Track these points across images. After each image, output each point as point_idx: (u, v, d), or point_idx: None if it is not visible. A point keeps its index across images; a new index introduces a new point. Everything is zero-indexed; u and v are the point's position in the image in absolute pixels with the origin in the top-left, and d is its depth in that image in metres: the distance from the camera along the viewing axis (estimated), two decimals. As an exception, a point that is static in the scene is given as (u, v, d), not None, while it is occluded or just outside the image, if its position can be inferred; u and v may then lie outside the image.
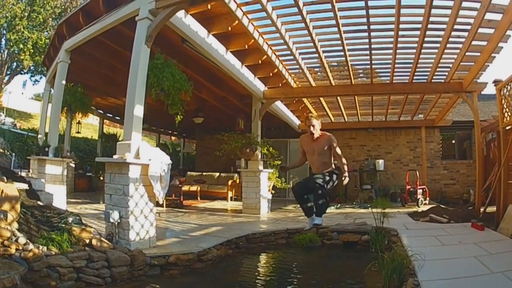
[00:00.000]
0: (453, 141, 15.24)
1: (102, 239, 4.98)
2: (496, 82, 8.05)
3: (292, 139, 15.62)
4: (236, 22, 6.68)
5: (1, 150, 10.60)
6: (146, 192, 5.45)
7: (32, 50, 23.12)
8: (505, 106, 7.23)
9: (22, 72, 26.76)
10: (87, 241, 4.72)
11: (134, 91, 5.46)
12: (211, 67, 8.64)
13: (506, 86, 7.09)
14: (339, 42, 7.53)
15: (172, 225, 7.79)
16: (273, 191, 11.15)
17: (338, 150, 5.23)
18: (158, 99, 6.06)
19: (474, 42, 7.08)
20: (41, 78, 27.39)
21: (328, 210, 10.47)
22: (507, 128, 7.15)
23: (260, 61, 8.42)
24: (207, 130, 17.07)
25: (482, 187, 8.68)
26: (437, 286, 3.79)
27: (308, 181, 5.43)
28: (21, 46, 22.84)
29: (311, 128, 5.25)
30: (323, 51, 8.17)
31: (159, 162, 5.59)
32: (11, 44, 23.06)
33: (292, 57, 8.41)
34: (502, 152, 7.16)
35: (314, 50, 7.98)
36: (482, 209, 7.97)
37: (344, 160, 5.21)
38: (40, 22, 23.56)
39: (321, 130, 5.34)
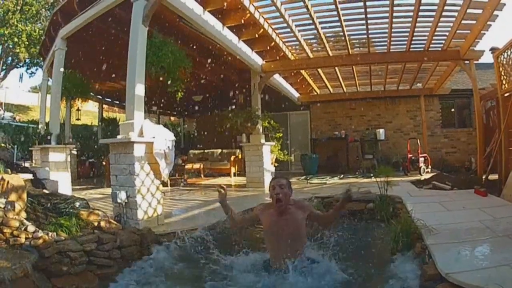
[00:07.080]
0: (453, 110, 15.19)
1: (111, 220, 5.01)
2: (493, 50, 8.01)
3: (292, 112, 15.77)
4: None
5: (3, 145, 10.64)
6: (151, 170, 5.54)
7: (27, 42, 22.91)
8: (503, 73, 7.22)
9: (18, 65, 26.67)
10: (96, 224, 4.74)
11: (134, 71, 5.48)
12: (208, 44, 8.63)
13: (503, 54, 7.07)
14: (335, 12, 7.51)
15: (178, 203, 7.91)
16: (276, 164, 11.26)
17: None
18: (158, 77, 6.11)
19: (469, 10, 7.05)
20: (37, 70, 27.38)
21: (331, 181, 10.75)
22: (506, 95, 7.12)
23: (257, 35, 8.39)
24: (207, 107, 17.06)
25: (483, 154, 8.73)
26: (445, 249, 3.79)
27: None
28: (16, 39, 22.66)
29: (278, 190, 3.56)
30: (320, 22, 8.14)
31: (163, 139, 5.67)
32: (5, 39, 22.85)
33: (289, 29, 8.41)
34: (502, 118, 7.17)
35: (310, 21, 7.97)
36: (484, 176, 8.01)
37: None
38: (33, 14, 23.34)
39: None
